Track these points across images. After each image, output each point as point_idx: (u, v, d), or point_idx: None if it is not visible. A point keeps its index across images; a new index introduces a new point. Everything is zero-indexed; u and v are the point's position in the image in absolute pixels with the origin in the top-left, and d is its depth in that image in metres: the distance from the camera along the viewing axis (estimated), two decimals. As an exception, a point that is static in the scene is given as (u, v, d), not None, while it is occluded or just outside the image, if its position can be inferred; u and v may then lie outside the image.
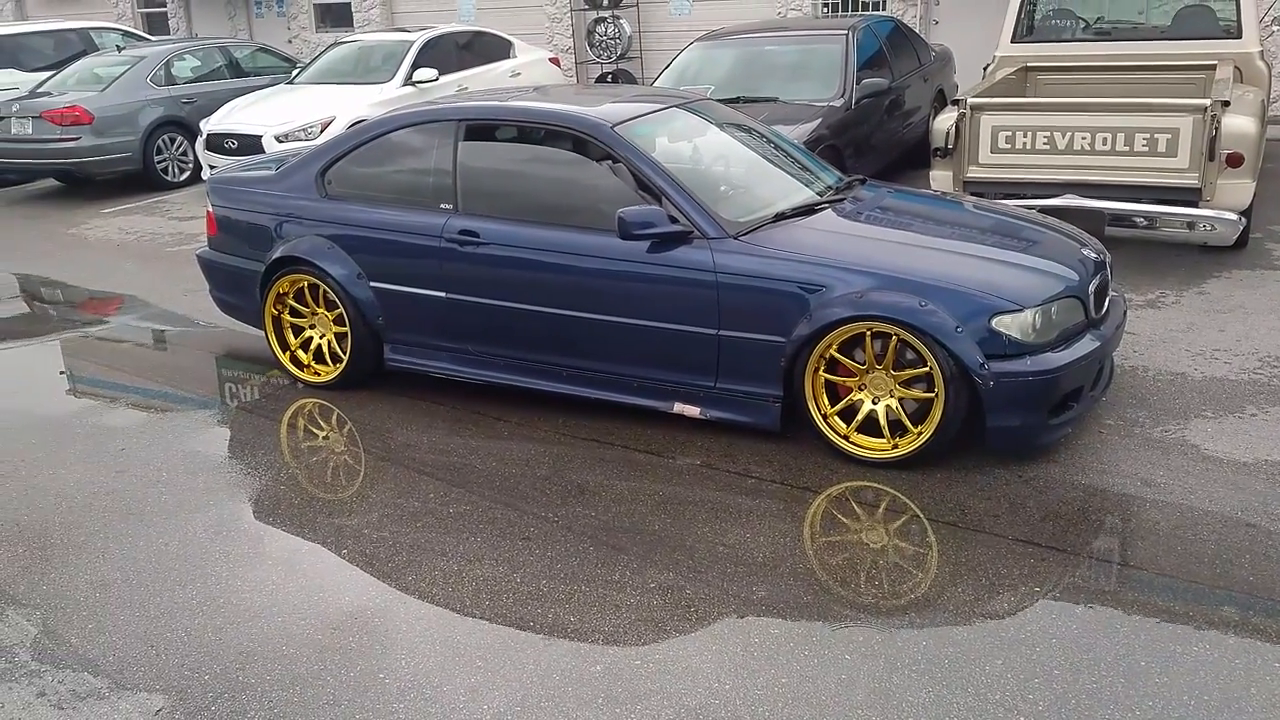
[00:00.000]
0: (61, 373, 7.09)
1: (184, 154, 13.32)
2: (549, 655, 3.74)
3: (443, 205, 5.76)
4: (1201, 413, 5.41)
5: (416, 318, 5.88)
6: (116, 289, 9.03)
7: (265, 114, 11.92)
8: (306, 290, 6.16)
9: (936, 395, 4.80)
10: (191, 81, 13.82)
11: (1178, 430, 5.24)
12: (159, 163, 13.17)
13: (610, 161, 5.47)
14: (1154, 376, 5.88)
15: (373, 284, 5.92)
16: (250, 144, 11.41)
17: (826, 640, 3.76)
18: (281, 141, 11.22)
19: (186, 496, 5.07)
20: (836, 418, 5.07)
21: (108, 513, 4.95)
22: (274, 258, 6.15)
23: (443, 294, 5.73)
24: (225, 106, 12.40)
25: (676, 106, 6.17)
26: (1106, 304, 5.29)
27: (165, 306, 8.33)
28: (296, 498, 5.03)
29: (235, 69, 14.42)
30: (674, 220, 5.16)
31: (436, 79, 12.45)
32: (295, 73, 13.58)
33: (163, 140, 13.19)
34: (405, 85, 12.31)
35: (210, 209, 6.62)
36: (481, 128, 5.84)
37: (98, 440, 5.80)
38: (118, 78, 13.15)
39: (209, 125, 12.10)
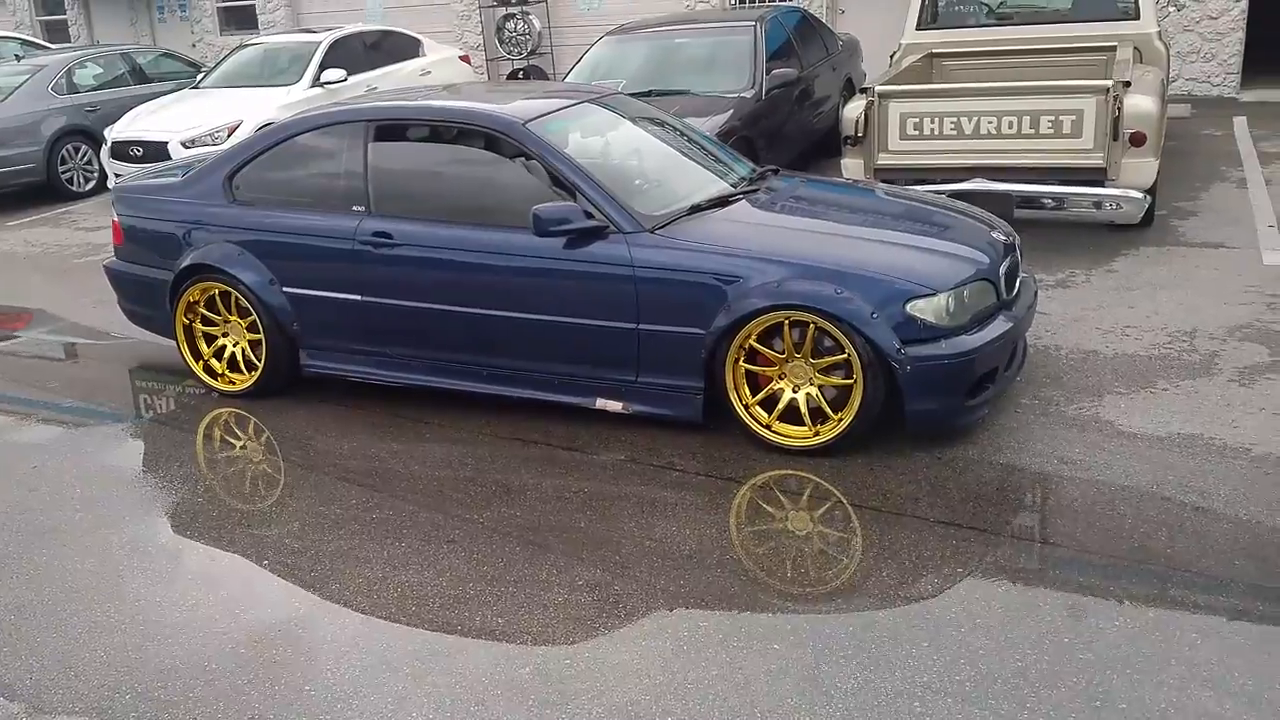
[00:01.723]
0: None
1: (89, 163, 13.03)
2: (477, 659, 3.71)
3: (354, 208, 5.69)
4: (1114, 389, 5.52)
5: (332, 322, 5.80)
6: (24, 303, 8.79)
7: (171, 120, 11.70)
8: (218, 298, 6.04)
9: (855, 381, 4.84)
10: (94, 89, 13.52)
11: (1092, 407, 5.34)
12: (64, 173, 12.88)
13: (523, 159, 5.44)
14: (1067, 355, 5.99)
15: (285, 289, 5.82)
16: (156, 151, 11.19)
17: (755, 630, 3.77)
18: (188, 147, 11.01)
19: (102, 513, 4.95)
20: (758, 407, 5.09)
21: (21, 533, 4.82)
22: (183, 266, 6.03)
23: (358, 297, 5.66)
24: (130, 114, 12.14)
25: (588, 102, 6.15)
26: (1017, 285, 5.38)
27: (75, 319, 8.13)
28: (215, 510, 4.93)
29: (139, 75, 14.13)
30: (589, 216, 5.14)
31: (345, 80, 12.30)
32: (200, 77, 13.34)
33: (67, 150, 12.89)
34: (313, 87, 12.14)
35: (116, 218, 6.47)
36: (392, 128, 5.77)
37: (9, 458, 5.64)
38: (17, 87, 12.82)
39: (113, 133, 11.85)
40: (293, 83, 12.20)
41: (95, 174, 12.96)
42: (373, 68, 13.03)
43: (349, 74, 12.44)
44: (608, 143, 6.04)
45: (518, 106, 5.69)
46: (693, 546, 4.33)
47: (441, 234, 5.47)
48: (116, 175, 11.17)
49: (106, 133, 12.02)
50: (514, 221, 5.28)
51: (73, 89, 13.25)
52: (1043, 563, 4.10)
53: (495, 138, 5.51)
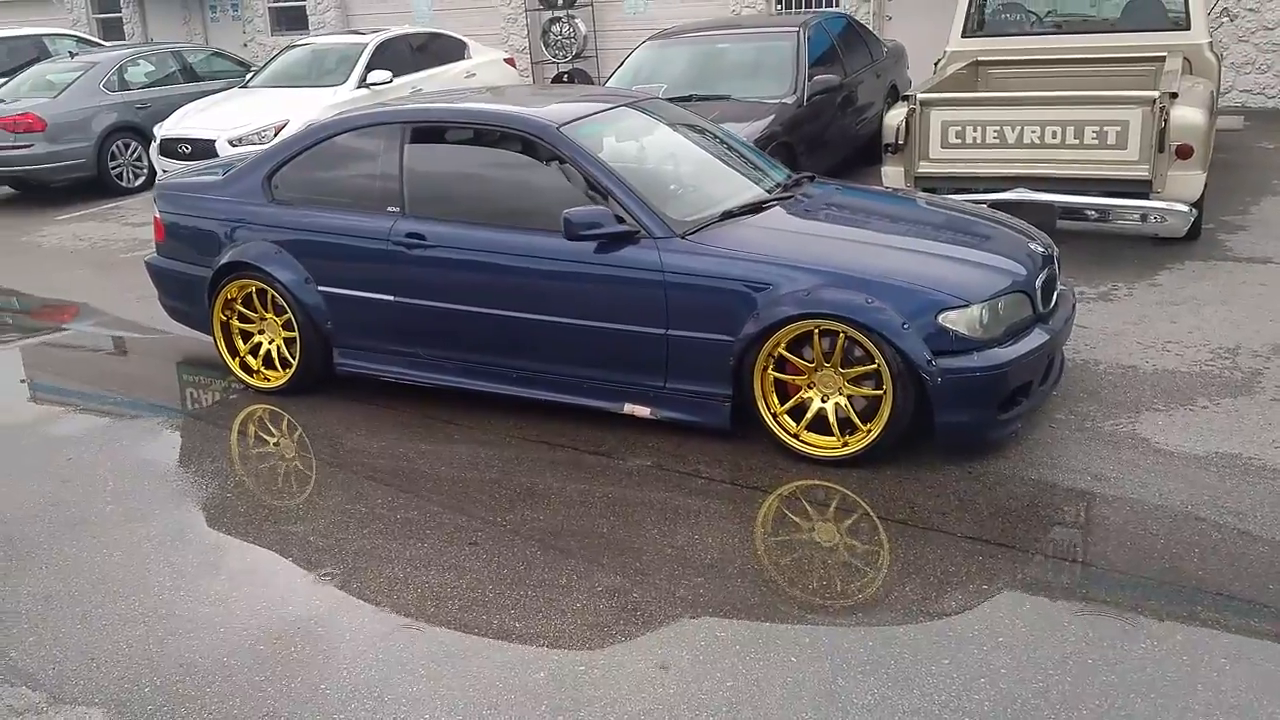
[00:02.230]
0: (22, 381, 6.99)
1: (138, 159, 13.21)
2: (493, 663, 3.70)
3: (389, 208, 5.71)
4: (1153, 405, 5.43)
5: (365, 322, 5.83)
6: (70, 296, 8.92)
7: (219, 118, 11.83)
8: (255, 295, 6.10)
9: (885, 392, 4.79)
10: (145, 87, 13.71)
11: (1129, 424, 5.25)
12: (113, 168, 13.06)
13: (557, 162, 5.44)
14: (1105, 370, 5.90)
15: (320, 288, 5.86)
16: (204, 148, 11.32)
17: (773, 642, 3.74)
18: (235, 146, 11.13)
19: (132, 506, 5.00)
20: (786, 416, 5.05)
21: (53, 524, 4.87)
22: (221, 263, 6.09)
23: (391, 298, 5.69)
24: (179, 111, 12.29)
25: (625, 106, 6.14)
26: (1054, 298, 5.30)
27: (118, 314, 8.24)
28: (244, 505, 4.97)
29: (189, 74, 14.31)
30: (620, 220, 5.13)
31: (390, 81, 12.38)
32: (249, 76, 13.46)
33: (117, 146, 13.08)
34: (359, 88, 12.23)
35: (158, 215, 6.55)
36: (427, 130, 5.79)
37: (45, 451, 5.71)
38: (70, 84, 13.03)
39: (163, 130, 12.00)
40: (339, 83, 12.30)
41: (144, 170, 13.14)
42: (418, 69, 13.11)
43: (395, 75, 12.53)
44: (642, 147, 6.03)
45: (552, 110, 5.69)
46: (714, 555, 4.30)
47: (474, 236, 5.48)
48: (165, 172, 11.30)
49: (156, 130, 12.17)
50: (546, 225, 5.28)
51: (124, 86, 13.44)
52: (1070, 581, 4.03)
53: (529, 141, 5.51)
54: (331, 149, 5.96)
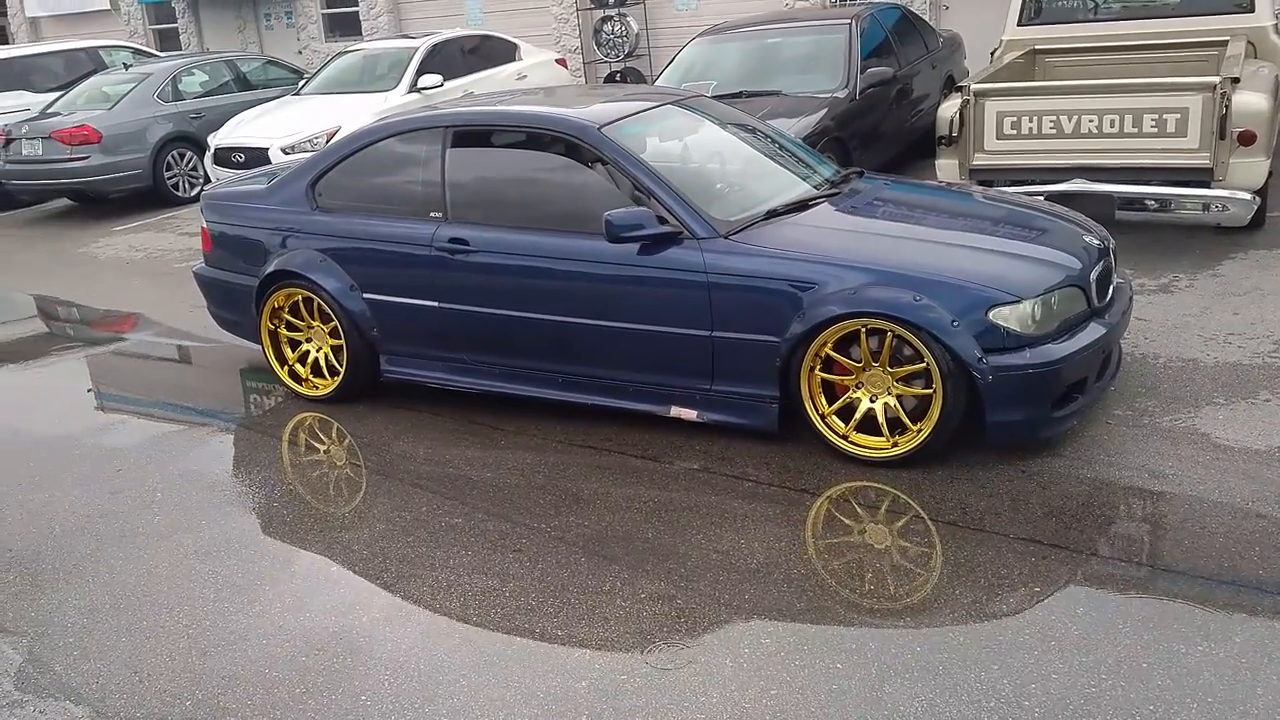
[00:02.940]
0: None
1: (193, 169, 13.34)
2: (534, 672, 3.66)
3: (432, 214, 5.70)
4: (1213, 400, 5.27)
5: (410, 328, 5.82)
6: (124, 306, 9.03)
7: (271, 126, 11.92)
8: (301, 304, 6.11)
9: (935, 391, 4.69)
10: (199, 96, 13.85)
11: (1188, 419, 5.10)
12: (169, 179, 13.21)
13: (599, 163, 5.39)
14: (1165, 363, 5.74)
15: (365, 295, 5.86)
16: (257, 157, 11.40)
17: (819, 648, 3.66)
18: (288, 154, 11.20)
19: (179, 517, 5.02)
20: (834, 417, 4.97)
21: (100, 536, 4.91)
22: (268, 272, 6.11)
23: (435, 304, 5.67)
24: (232, 120, 12.40)
25: (669, 104, 6.08)
26: (1110, 291, 5.16)
27: (171, 323, 8.31)
28: (290, 514, 4.97)
29: (243, 82, 14.44)
30: (663, 221, 5.07)
31: (441, 85, 12.41)
32: (302, 84, 13.57)
33: (172, 156, 13.22)
34: (410, 92, 12.27)
35: (205, 225, 6.59)
36: (468, 134, 5.77)
37: (96, 461, 5.77)
38: (125, 95, 13.19)
39: (216, 139, 12.11)
40: (390, 89, 12.35)
41: (200, 180, 13.26)
42: (469, 72, 13.13)
43: (445, 79, 12.55)
44: (686, 146, 5.97)
45: (594, 111, 5.64)
46: (760, 560, 4.23)
47: (517, 240, 5.45)
48: (218, 181, 11.41)
49: (210, 139, 12.29)
50: (589, 227, 5.23)
51: (178, 96, 13.59)
52: (1125, 582, 3.91)
53: (571, 143, 5.47)
54: (373, 155, 5.96)
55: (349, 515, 4.91)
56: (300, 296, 6.08)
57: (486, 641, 3.85)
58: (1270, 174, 7.34)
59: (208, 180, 12.61)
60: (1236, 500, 4.37)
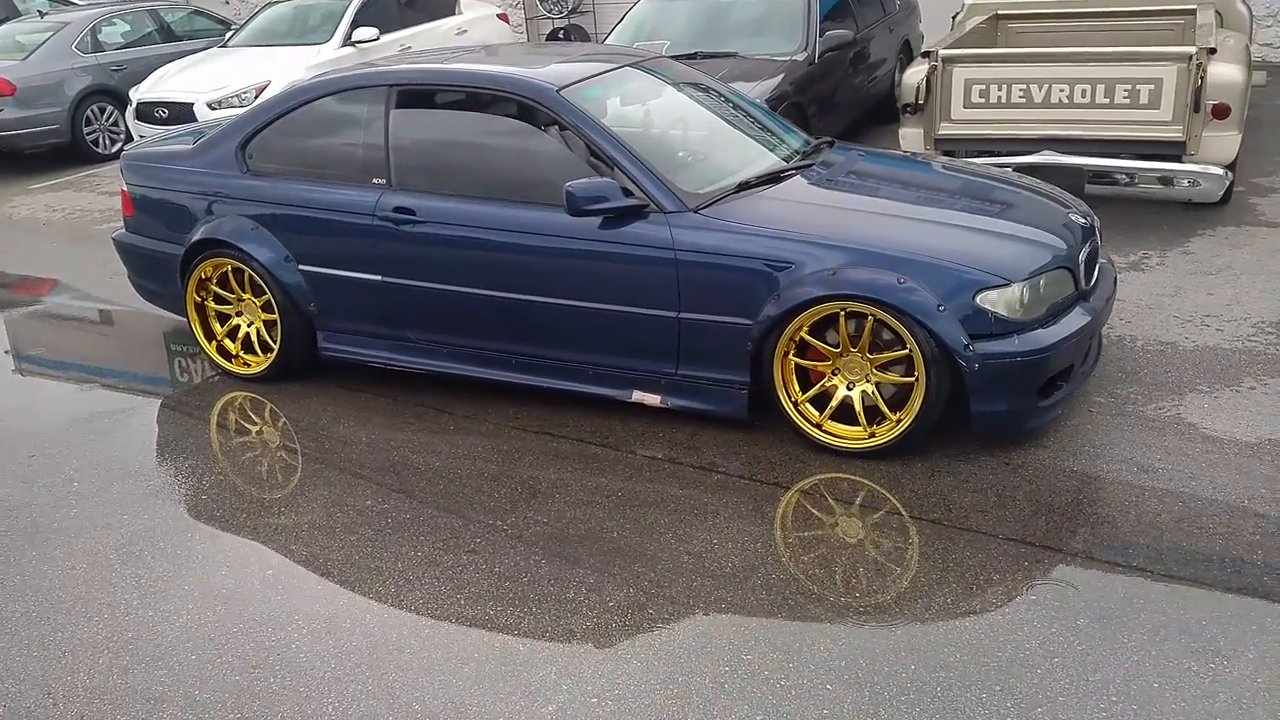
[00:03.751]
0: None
1: (115, 125, 12.67)
2: (497, 694, 3.33)
3: (375, 180, 5.28)
4: (1196, 386, 5.05)
5: (351, 303, 5.41)
6: (40, 271, 8.48)
7: (197, 80, 11.31)
8: (230, 275, 5.66)
9: (917, 380, 4.41)
10: (120, 47, 13.13)
11: (1172, 407, 4.87)
12: (89, 134, 12.53)
13: (557, 129, 5.01)
14: (1143, 347, 5.51)
15: (302, 267, 5.44)
16: (182, 112, 10.81)
17: (805, 666, 3.37)
18: (214, 109, 10.63)
19: (98, 510, 4.60)
20: (809, 405, 4.66)
21: (11, 533, 4.47)
22: (194, 240, 5.65)
23: (378, 277, 5.27)
24: (155, 73, 11.77)
25: (629, 66, 5.70)
26: (1096, 273, 4.91)
27: (89, 291, 7.79)
28: (219, 510, 4.56)
29: (167, 33, 13.73)
30: (627, 193, 4.71)
31: (377, 39, 11.86)
32: (229, 35, 12.93)
33: (92, 110, 12.54)
34: (344, 46, 11.71)
35: (125, 188, 6.10)
36: (415, 93, 5.35)
37: (8, 447, 5.29)
38: (40, 45, 12.45)
39: (138, 93, 11.49)
40: (323, 41, 11.77)
41: (121, 136, 12.61)
42: (406, 26, 12.58)
43: (381, 33, 12.00)
44: (650, 112, 5.60)
45: (552, 71, 5.25)
46: (735, 563, 3.92)
47: (468, 211, 5.06)
48: (142, 137, 10.82)
49: (132, 93, 11.67)
50: (547, 198, 4.85)
51: (98, 47, 12.87)
52: (1125, 591, 3.65)
53: (527, 106, 5.07)
54: (310, 114, 5.51)
55: (284, 511, 4.51)
56: (229, 267, 5.63)
57: (441, 659, 3.51)
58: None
59: (129, 137, 11.99)
60: (1231, 497, 4.14)
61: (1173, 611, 3.52)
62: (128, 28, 13.44)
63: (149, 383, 6.07)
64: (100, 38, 13.00)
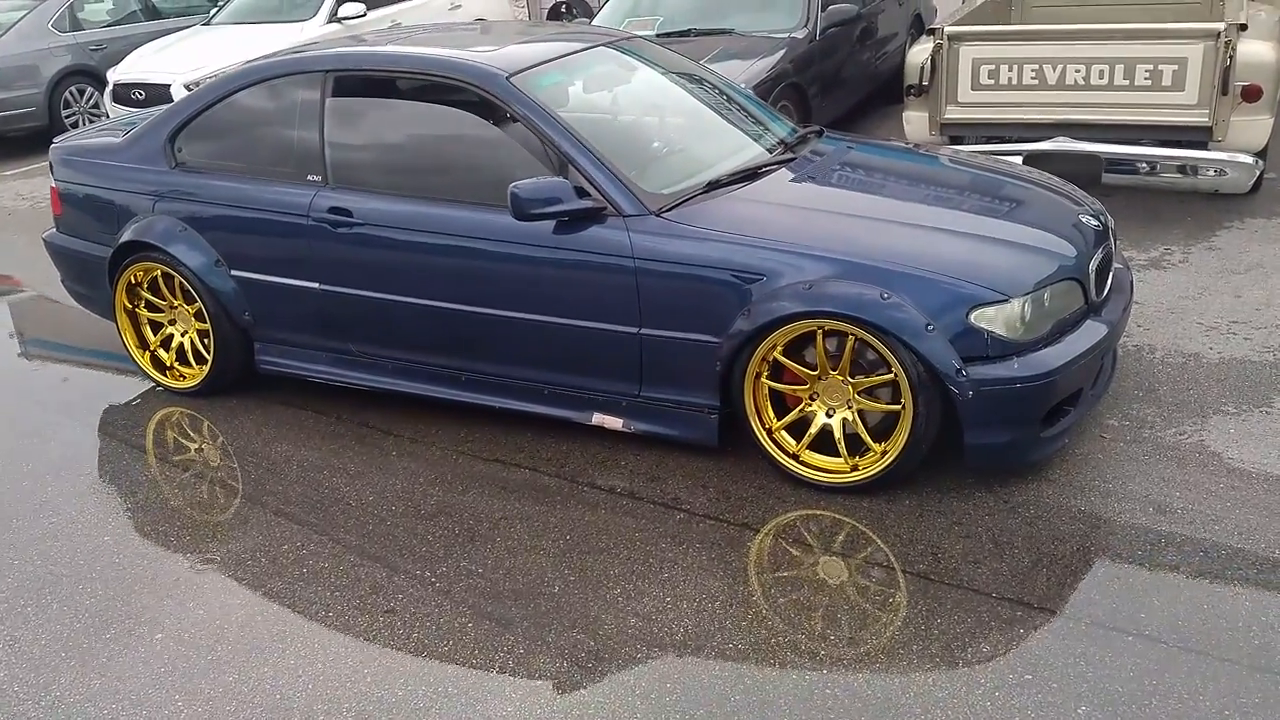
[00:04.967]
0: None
1: (95, 107, 12.21)
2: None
3: (310, 177, 4.79)
4: (1222, 408, 4.52)
5: (288, 313, 4.93)
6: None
7: (175, 60, 10.81)
8: (161, 280, 5.19)
9: (904, 407, 3.89)
10: (101, 26, 12.65)
11: (1194, 432, 4.35)
12: (67, 117, 12.07)
13: (509, 121, 4.50)
14: (1162, 359, 4.98)
15: (234, 273, 4.96)
16: (159, 94, 10.31)
17: (757, 765, 2.88)
18: (192, 91, 10.13)
19: (-7, 551, 4.14)
20: (784, 433, 4.16)
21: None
22: (121, 241, 5.18)
23: (316, 285, 4.78)
24: (134, 53, 11.27)
25: (601, 47, 5.17)
26: (1109, 282, 4.38)
27: (44, 290, 7.31)
28: (121, 560, 4.05)
29: (151, 11, 13.21)
30: (583, 194, 4.21)
31: (364, 14, 11.33)
32: (213, 13, 12.42)
33: (70, 92, 12.08)
34: (330, 22, 11.18)
35: (54, 184, 5.62)
36: (353, 80, 4.83)
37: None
38: (15, 24, 11.97)
39: (116, 74, 10.99)
40: (308, 18, 11.24)
41: (102, 118, 12.15)
42: (396, 1, 12.05)
43: (369, 8, 11.47)
44: (617, 99, 5.09)
45: (504, 55, 4.73)
46: (688, 628, 3.42)
47: (411, 212, 4.56)
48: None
49: (110, 74, 11.19)
50: (496, 199, 4.33)
51: (76, 26, 12.39)
52: (1137, 669, 3.13)
53: (474, 94, 4.55)
54: (241, 104, 5.01)
55: (188, 555, 4.02)
56: (159, 272, 5.15)
57: (338, 746, 3.03)
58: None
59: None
60: (1260, 548, 3.63)
61: (1189, 697, 3.02)
62: (110, 5, 12.97)
63: (77, 400, 5.57)
64: (80, 15, 12.51)
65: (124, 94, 10.75)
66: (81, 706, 3.25)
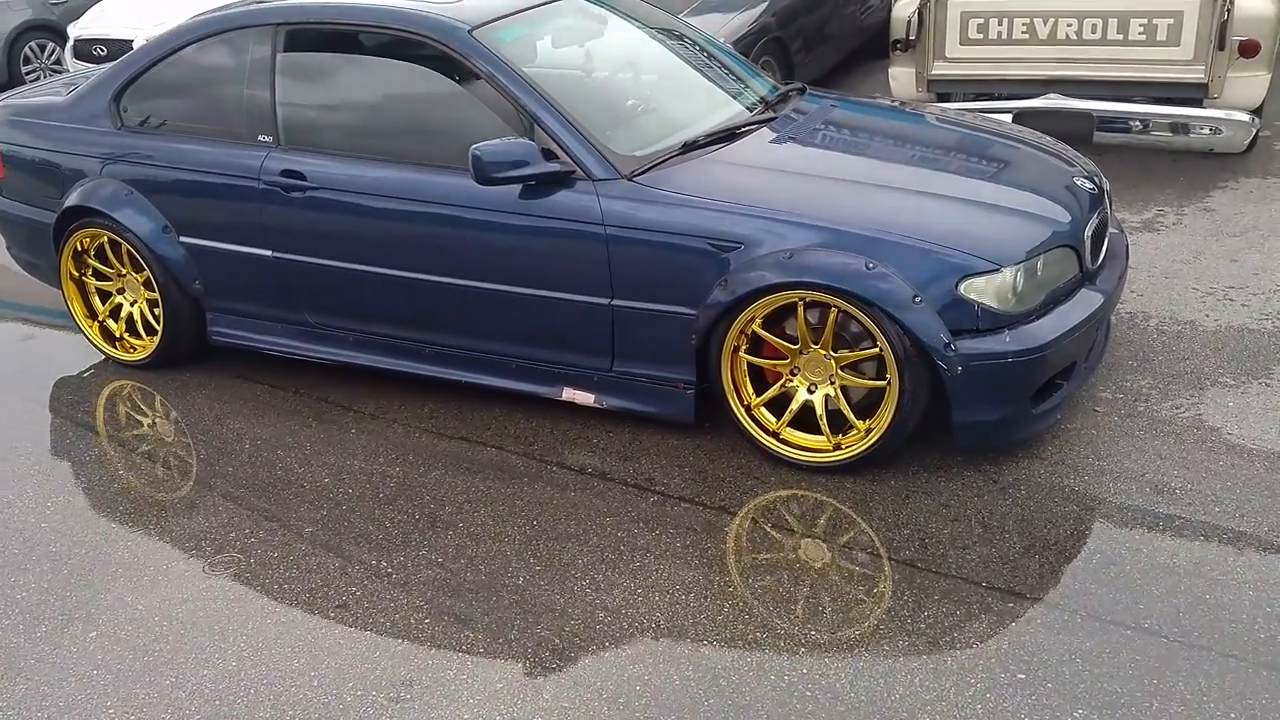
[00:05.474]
0: None
1: (57, 63, 11.83)
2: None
3: (260, 138, 4.52)
4: (1219, 379, 4.32)
5: (241, 282, 4.68)
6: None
7: (139, 14, 10.42)
8: (108, 247, 4.92)
9: (889, 383, 3.68)
10: (65, -22, 12.26)
11: (1191, 405, 4.15)
12: (28, 74, 11.68)
13: (472, 78, 4.23)
14: (1157, 326, 4.77)
15: (183, 239, 4.70)
16: (122, 50, 9.87)
17: (731, 777, 2.69)
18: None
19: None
20: (764, 410, 3.94)
21: None
22: (65, 207, 4.91)
23: (269, 253, 4.53)
24: (96, 7, 10.88)
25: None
26: (1105, 247, 4.16)
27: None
28: (56, 546, 3.84)
29: (113, -38, 12.82)
30: (549, 156, 3.96)
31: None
32: (179, -36, 12.02)
33: (31, 48, 11.68)
34: (298, -25, 10.82)
35: (-2, 145, 5.33)
36: (305, 35, 4.54)
37: None
38: (-30, -25, 11.61)
39: (77, 29, 10.62)
40: (275, -30, 10.88)
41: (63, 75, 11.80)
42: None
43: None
44: (587, 55, 4.82)
45: (467, 7, 4.44)
46: (660, 622, 3.22)
47: (366, 176, 4.31)
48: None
49: (71, 29, 10.81)
50: (459, 161, 4.07)
51: (35, -22, 12.02)
52: (1136, 667, 2.94)
53: (434, 49, 4.28)
54: (188, 60, 4.72)
55: (128, 550, 3.77)
56: (106, 238, 4.89)
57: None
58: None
59: (71, 75, 11.17)
60: (1263, 531, 3.44)
61: (1193, 698, 2.83)
62: (70, -44, 12.53)
63: (22, 373, 5.31)
64: (39, -33, 12.12)
65: (85, 50, 10.37)
66: (5, 714, 3.02)
